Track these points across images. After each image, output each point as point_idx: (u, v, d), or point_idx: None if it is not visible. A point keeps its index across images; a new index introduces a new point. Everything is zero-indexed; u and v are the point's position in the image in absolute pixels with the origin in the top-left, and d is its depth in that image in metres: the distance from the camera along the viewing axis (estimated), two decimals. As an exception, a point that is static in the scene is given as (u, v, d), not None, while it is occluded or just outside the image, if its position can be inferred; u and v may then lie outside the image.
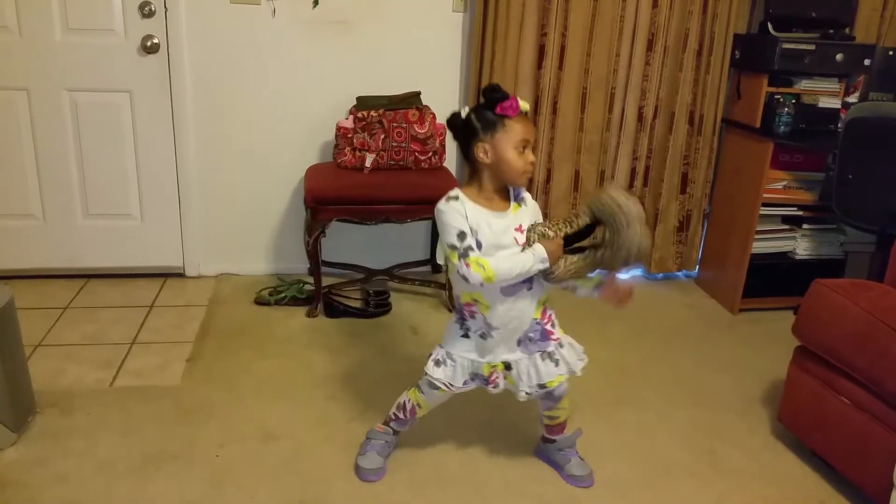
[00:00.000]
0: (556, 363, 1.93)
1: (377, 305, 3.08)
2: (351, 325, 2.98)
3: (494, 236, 1.78)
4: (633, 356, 2.85)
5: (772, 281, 3.32)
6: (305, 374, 2.60)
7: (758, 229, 3.21)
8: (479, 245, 1.77)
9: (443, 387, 1.93)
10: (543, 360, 1.93)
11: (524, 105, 1.77)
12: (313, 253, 2.95)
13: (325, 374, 2.60)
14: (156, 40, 3.01)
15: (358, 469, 2.07)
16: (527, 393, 1.94)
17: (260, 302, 3.13)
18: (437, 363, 1.94)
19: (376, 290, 3.16)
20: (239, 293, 3.23)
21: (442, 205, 1.79)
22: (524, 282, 1.83)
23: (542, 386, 1.93)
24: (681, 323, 3.21)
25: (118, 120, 3.11)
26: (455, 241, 1.76)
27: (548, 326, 1.93)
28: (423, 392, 2.01)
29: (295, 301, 3.12)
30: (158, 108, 3.12)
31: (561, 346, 1.95)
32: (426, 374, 1.95)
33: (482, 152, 1.77)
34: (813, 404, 2.16)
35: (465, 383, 1.94)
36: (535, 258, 1.77)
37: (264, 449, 2.17)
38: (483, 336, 1.89)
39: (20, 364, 2.19)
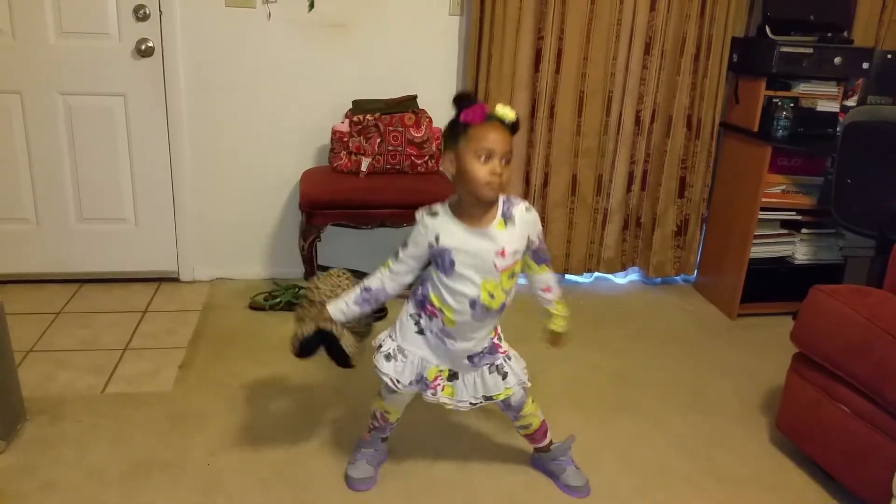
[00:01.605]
0: (504, 376, 1.90)
1: (372, 311, 3.05)
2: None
3: (471, 257, 1.72)
4: (630, 362, 2.82)
5: (770, 286, 3.30)
6: (298, 380, 2.57)
7: (756, 234, 3.19)
8: (451, 264, 1.72)
9: (389, 382, 1.87)
10: (491, 372, 1.90)
11: (506, 114, 1.67)
12: (309, 258, 2.93)
13: (319, 382, 2.57)
14: (150, 44, 2.99)
15: (348, 479, 2.05)
16: (471, 403, 1.91)
17: (254, 307, 3.10)
18: (388, 357, 1.88)
19: (372, 296, 3.13)
20: (234, 298, 3.21)
21: (419, 214, 1.77)
22: (498, 310, 1.80)
23: (487, 398, 1.91)
24: (679, 328, 3.19)
25: (112, 124, 3.09)
26: (401, 244, 1.80)
27: (495, 340, 1.91)
28: (383, 397, 1.97)
29: (290, 306, 3.09)
30: (153, 111, 3.10)
31: (509, 358, 1.92)
32: (375, 366, 1.88)
33: (448, 162, 1.71)
34: (811, 412, 2.14)
35: (409, 384, 1.88)
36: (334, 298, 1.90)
37: (256, 457, 2.14)
38: (440, 339, 1.83)
39: (9, 371, 2.17)
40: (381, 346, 1.91)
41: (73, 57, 2.98)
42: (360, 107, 3.04)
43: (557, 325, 1.94)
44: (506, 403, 1.95)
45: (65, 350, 2.71)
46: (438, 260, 1.75)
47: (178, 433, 2.23)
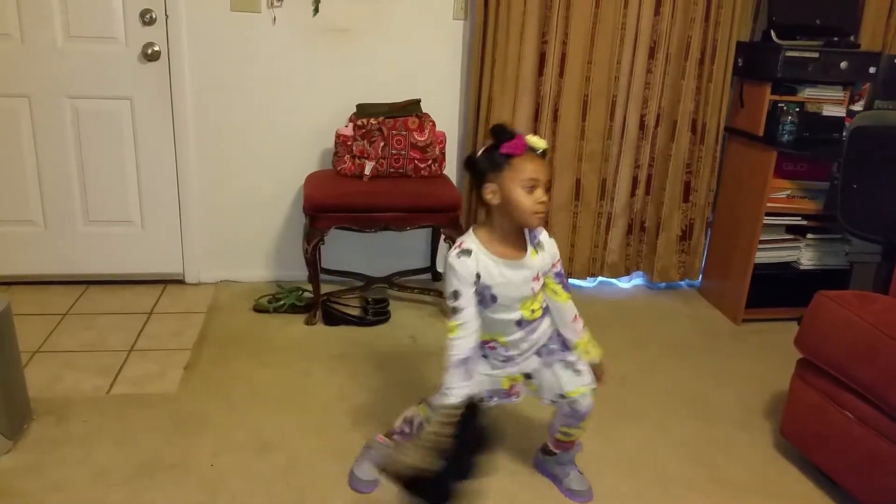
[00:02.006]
0: (579, 373, 1.90)
1: (376, 313, 3.07)
2: (349, 333, 2.96)
3: (513, 289, 1.78)
4: (633, 367, 2.82)
5: (775, 291, 3.29)
6: (302, 382, 2.58)
7: (761, 239, 3.19)
8: (493, 298, 1.76)
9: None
10: (565, 368, 1.90)
11: (538, 143, 1.71)
12: (312, 260, 2.94)
13: (323, 383, 2.58)
14: (156, 48, 3.01)
15: (351, 476, 2.06)
16: (551, 401, 1.92)
17: (258, 309, 3.11)
18: None
19: (375, 298, 3.14)
20: (238, 300, 3.22)
21: (452, 258, 1.75)
22: (542, 316, 1.85)
23: (562, 396, 1.90)
24: (682, 333, 3.19)
25: (119, 127, 3.11)
26: (450, 298, 1.76)
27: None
28: (433, 408, 1.93)
29: (294, 308, 3.10)
30: (159, 115, 3.12)
31: (575, 356, 1.93)
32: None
33: (490, 193, 1.72)
34: (816, 418, 2.14)
35: (482, 398, 1.87)
36: (446, 389, 1.73)
37: (259, 459, 2.15)
38: (505, 361, 1.88)
39: (16, 371, 2.18)
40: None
41: (80, 61, 3.00)
42: (364, 110, 3.05)
43: (595, 355, 1.95)
44: (574, 409, 1.91)
45: (71, 351, 2.72)
46: (478, 297, 1.77)
47: (182, 434, 2.24)
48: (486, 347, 1.87)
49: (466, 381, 1.75)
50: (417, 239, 3.45)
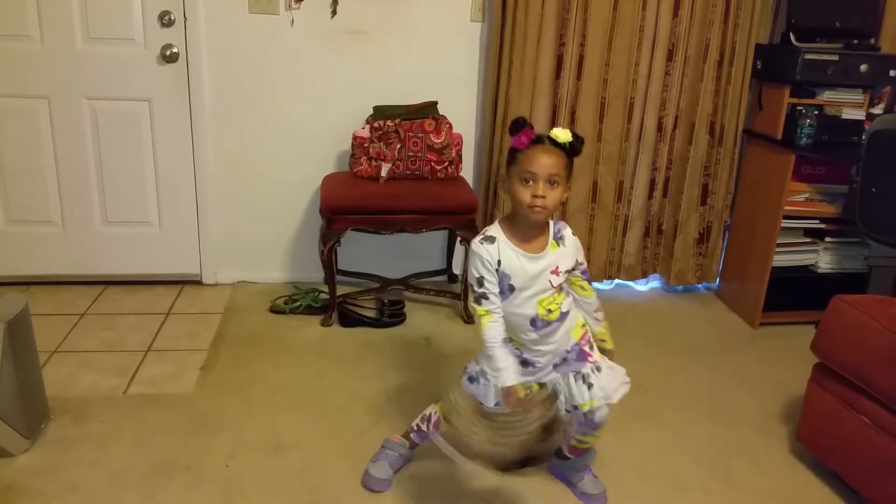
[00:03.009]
0: (590, 387, 1.88)
1: (391, 315, 3.07)
2: (365, 335, 2.97)
3: (529, 281, 1.78)
4: (649, 370, 2.80)
5: (793, 295, 3.26)
6: (317, 384, 2.59)
7: (779, 242, 3.16)
8: (511, 289, 1.77)
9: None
10: (576, 380, 1.89)
11: (557, 135, 1.72)
12: (328, 262, 2.94)
13: (338, 385, 2.59)
14: (175, 49, 3.03)
15: (366, 475, 2.06)
16: (567, 411, 1.90)
17: (275, 310, 3.13)
18: (472, 379, 1.88)
19: (391, 300, 3.15)
20: (255, 301, 3.23)
21: (475, 244, 1.78)
22: (558, 319, 1.83)
23: (575, 407, 1.89)
24: (699, 337, 3.17)
25: (137, 128, 3.14)
26: (475, 284, 1.79)
27: (585, 347, 1.90)
28: (448, 401, 1.94)
29: (310, 310, 3.11)
30: (177, 116, 3.14)
31: (598, 370, 1.90)
32: (461, 386, 1.89)
33: (503, 184, 1.80)
34: (833, 424, 2.11)
35: (496, 404, 1.83)
36: (495, 372, 1.76)
37: (274, 460, 2.16)
38: (524, 363, 1.87)
39: (34, 371, 2.21)
40: (466, 369, 1.93)
41: (99, 62, 3.02)
42: (380, 112, 3.06)
43: (610, 344, 1.99)
44: (588, 418, 1.90)
45: (89, 351, 2.75)
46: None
47: (198, 435, 2.26)
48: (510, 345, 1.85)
49: (513, 360, 1.78)
50: (433, 241, 3.45)
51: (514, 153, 1.74)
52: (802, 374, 2.30)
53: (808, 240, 3.28)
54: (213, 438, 2.24)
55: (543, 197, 1.70)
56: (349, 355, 2.80)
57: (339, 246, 2.99)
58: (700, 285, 3.67)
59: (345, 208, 2.88)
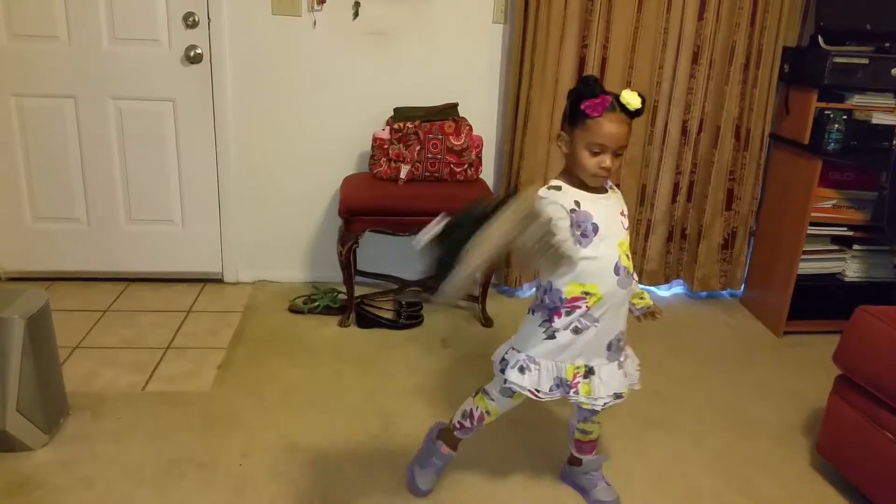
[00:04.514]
0: (626, 374, 1.87)
1: (409, 317, 3.07)
2: (382, 336, 2.97)
3: (609, 218, 1.73)
4: (667, 378, 2.77)
5: (819, 303, 3.20)
6: (334, 384, 2.60)
7: (805, 249, 3.10)
8: (595, 229, 1.69)
9: (528, 394, 1.81)
10: (620, 367, 1.86)
11: (632, 101, 1.64)
12: (346, 263, 2.95)
13: (354, 385, 2.59)
14: (199, 50, 3.06)
15: (412, 483, 2.05)
16: (605, 402, 1.82)
17: (294, 310, 3.14)
18: (522, 370, 1.80)
19: (409, 302, 3.15)
20: (274, 300, 3.25)
21: (543, 191, 1.73)
22: (630, 276, 1.78)
23: (617, 395, 1.84)
24: (721, 344, 3.12)
25: (161, 128, 3.17)
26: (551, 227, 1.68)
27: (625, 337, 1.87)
28: (492, 398, 1.91)
29: (328, 310, 3.12)
30: (201, 116, 3.17)
31: (627, 356, 1.90)
32: (510, 381, 1.80)
33: (561, 141, 1.73)
34: (854, 437, 2.07)
35: (550, 389, 1.79)
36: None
37: (287, 459, 2.17)
38: (577, 331, 1.75)
39: (54, 367, 2.24)
40: (505, 361, 1.84)
41: (125, 63, 3.06)
42: (401, 114, 3.05)
43: (648, 300, 1.96)
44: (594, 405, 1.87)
45: (110, 347, 2.78)
46: (577, 230, 1.70)
47: (213, 433, 2.27)
48: (565, 308, 1.75)
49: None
50: (453, 243, 3.43)
51: (582, 116, 1.65)
52: (826, 384, 2.24)
53: (836, 247, 3.22)
54: (228, 437, 2.26)
55: (609, 168, 1.67)
56: (366, 356, 2.80)
57: (358, 247, 2.99)
58: (724, 292, 3.61)
59: (363, 209, 2.88)
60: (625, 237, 1.77)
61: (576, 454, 2.07)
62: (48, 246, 3.28)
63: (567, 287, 1.73)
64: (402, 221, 2.90)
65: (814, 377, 2.77)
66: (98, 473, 2.06)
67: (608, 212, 1.74)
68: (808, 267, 3.16)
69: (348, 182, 3.09)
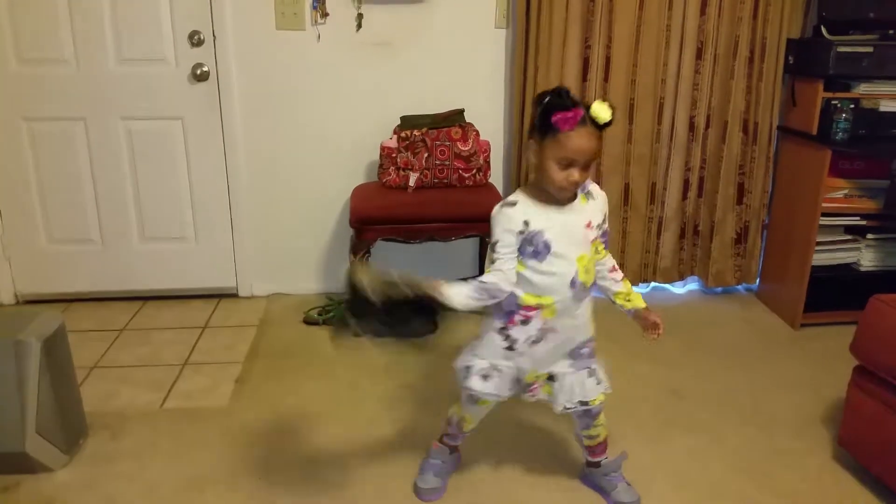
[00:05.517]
0: (599, 382, 1.89)
1: (422, 325, 3.06)
2: (396, 345, 2.96)
3: (565, 234, 1.72)
4: (686, 375, 2.75)
5: (836, 294, 3.17)
6: (350, 395, 2.60)
7: (819, 240, 3.08)
8: (547, 247, 1.70)
9: (491, 399, 1.87)
10: (589, 376, 1.87)
11: (601, 114, 1.62)
12: (359, 273, 2.95)
13: (370, 395, 2.59)
14: (205, 68, 3.08)
15: (416, 489, 2.07)
16: (566, 408, 1.88)
17: (308, 321, 3.15)
18: (486, 377, 1.84)
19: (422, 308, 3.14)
20: (289, 313, 3.26)
21: (495, 210, 1.74)
22: (590, 287, 1.79)
23: (583, 403, 1.87)
24: (738, 339, 3.10)
25: (171, 146, 3.20)
26: (490, 249, 1.75)
27: (594, 344, 1.89)
28: (463, 406, 1.97)
29: (342, 320, 3.12)
30: (209, 133, 3.19)
31: (598, 362, 1.91)
32: (471, 390, 1.86)
33: (530, 151, 1.72)
34: (875, 427, 2.05)
35: (509, 390, 1.87)
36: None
37: (307, 473, 2.17)
38: (535, 342, 1.80)
39: (72, 387, 2.25)
40: (469, 368, 1.87)
41: (132, 83, 3.09)
42: (407, 122, 3.06)
43: (638, 302, 1.90)
44: (586, 410, 1.91)
45: (127, 366, 2.80)
46: (529, 247, 1.71)
47: (232, 448, 2.28)
48: (520, 317, 1.78)
49: (475, 298, 1.74)
50: (464, 249, 3.44)
51: (553, 129, 1.62)
52: (844, 376, 2.22)
53: (849, 237, 3.19)
54: (247, 452, 2.26)
55: (577, 181, 1.66)
56: (380, 366, 2.80)
57: (369, 256, 3.00)
58: (740, 286, 3.60)
59: (373, 218, 2.89)
60: (586, 251, 1.75)
61: (590, 458, 2.07)
62: (63, 267, 3.31)
63: (522, 294, 1.76)
64: (413, 229, 2.91)
65: (833, 369, 2.74)
66: (119, 493, 2.08)
67: (565, 228, 1.72)
68: (822, 258, 3.14)
69: (358, 192, 3.11)
